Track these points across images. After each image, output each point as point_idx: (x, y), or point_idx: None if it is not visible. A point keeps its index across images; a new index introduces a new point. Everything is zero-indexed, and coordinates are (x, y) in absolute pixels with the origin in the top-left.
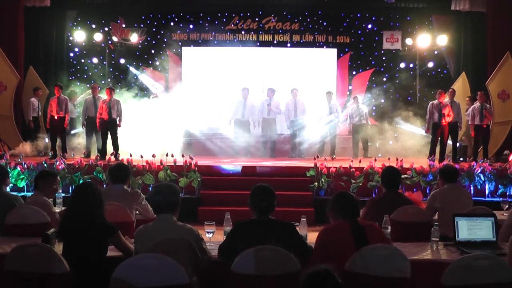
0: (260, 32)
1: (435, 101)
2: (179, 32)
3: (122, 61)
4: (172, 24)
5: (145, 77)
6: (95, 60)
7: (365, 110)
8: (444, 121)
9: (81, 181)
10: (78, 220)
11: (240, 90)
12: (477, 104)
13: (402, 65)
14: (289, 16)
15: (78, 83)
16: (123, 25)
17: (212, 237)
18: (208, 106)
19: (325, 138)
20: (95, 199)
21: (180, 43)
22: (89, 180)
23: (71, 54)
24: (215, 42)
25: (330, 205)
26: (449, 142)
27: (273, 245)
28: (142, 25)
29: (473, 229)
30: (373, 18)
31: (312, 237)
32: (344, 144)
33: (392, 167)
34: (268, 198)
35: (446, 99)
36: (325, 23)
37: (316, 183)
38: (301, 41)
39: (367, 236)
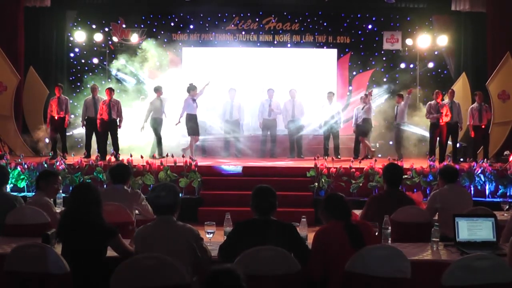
0: (260, 33)
1: (433, 102)
2: (179, 32)
3: (122, 61)
4: (172, 24)
5: (144, 77)
6: (95, 60)
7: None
8: (442, 121)
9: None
10: (77, 220)
11: (231, 91)
12: (475, 105)
13: (403, 65)
14: (289, 17)
15: (78, 83)
16: (124, 26)
17: (212, 237)
18: (208, 106)
19: (328, 138)
20: (93, 199)
21: (180, 44)
22: (89, 181)
23: (71, 54)
24: (215, 42)
25: (321, 207)
26: (449, 142)
27: (273, 246)
28: (142, 26)
29: (473, 230)
30: (373, 19)
31: (312, 237)
32: (347, 144)
33: (394, 164)
34: (269, 198)
35: (445, 100)
36: (325, 24)
37: (316, 184)
38: (301, 41)
39: (362, 234)
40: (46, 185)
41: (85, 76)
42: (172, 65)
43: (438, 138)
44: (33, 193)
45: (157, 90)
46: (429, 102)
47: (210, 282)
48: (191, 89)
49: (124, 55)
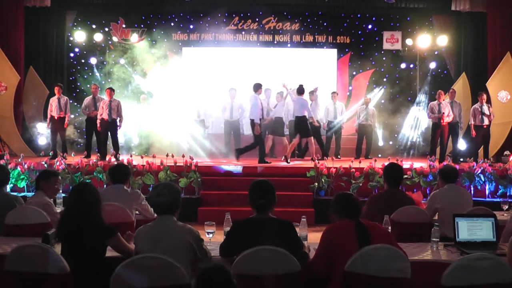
0: (260, 33)
1: (435, 102)
2: (179, 32)
3: (122, 61)
4: (172, 24)
5: (144, 77)
6: (95, 60)
7: (373, 111)
8: (444, 121)
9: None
10: (76, 220)
11: (231, 90)
12: (478, 105)
13: (403, 65)
14: (289, 17)
15: (78, 83)
16: (123, 25)
17: (212, 237)
18: (208, 106)
19: (330, 138)
20: (92, 199)
21: (180, 44)
22: (89, 181)
23: (71, 54)
24: (215, 42)
25: (332, 207)
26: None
27: (272, 244)
28: (142, 25)
29: (473, 230)
30: (373, 19)
31: (312, 237)
32: (349, 145)
33: (395, 164)
34: (267, 194)
35: (446, 100)
36: (325, 24)
37: (316, 184)
38: (301, 41)
39: (371, 236)
40: (47, 185)
41: (85, 76)
42: (172, 65)
43: (439, 138)
44: (33, 193)
45: (258, 87)
46: (431, 102)
47: (201, 280)
48: (303, 91)
49: (124, 55)
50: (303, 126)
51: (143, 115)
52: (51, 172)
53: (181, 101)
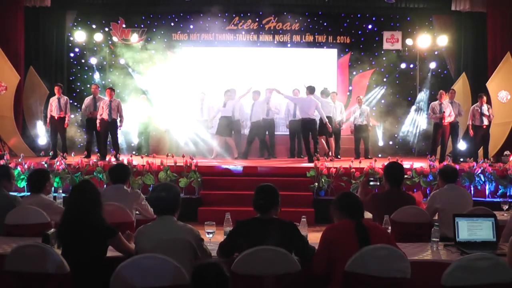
0: (261, 33)
1: (436, 102)
2: (179, 32)
3: (122, 61)
4: (172, 24)
5: (144, 77)
6: (95, 60)
7: (367, 111)
8: (445, 122)
9: None
10: (77, 220)
11: (225, 92)
12: (477, 105)
13: (403, 65)
14: (289, 17)
15: (78, 83)
16: (124, 25)
17: (212, 237)
18: (211, 106)
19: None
20: (93, 198)
21: (180, 44)
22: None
23: (71, 54)
24: (215, 42)
25: (334, 205)
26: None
27: (274, 244)
28: (142, 25)
29: (473, 230)
30: (373, 19)
31: (312, 237)
32: (349, 145)
33: (395, 163)
34: (267, 196)
35: (446, 99)
36: (325, 24)
37: (316, 184)
38: (302, 41)
39: (370, 237)
40: (49, 185)
41: (85, 76)
42: (172, 65)
43: (440, 138)
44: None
45: (313, 90)
46: (432, 102)
47: (195, 277)
48: (328, 93)
49: (124, 55)
50: (325, 126)
51: (143, 115)
52: (47, 171)
53: (182, 101)
